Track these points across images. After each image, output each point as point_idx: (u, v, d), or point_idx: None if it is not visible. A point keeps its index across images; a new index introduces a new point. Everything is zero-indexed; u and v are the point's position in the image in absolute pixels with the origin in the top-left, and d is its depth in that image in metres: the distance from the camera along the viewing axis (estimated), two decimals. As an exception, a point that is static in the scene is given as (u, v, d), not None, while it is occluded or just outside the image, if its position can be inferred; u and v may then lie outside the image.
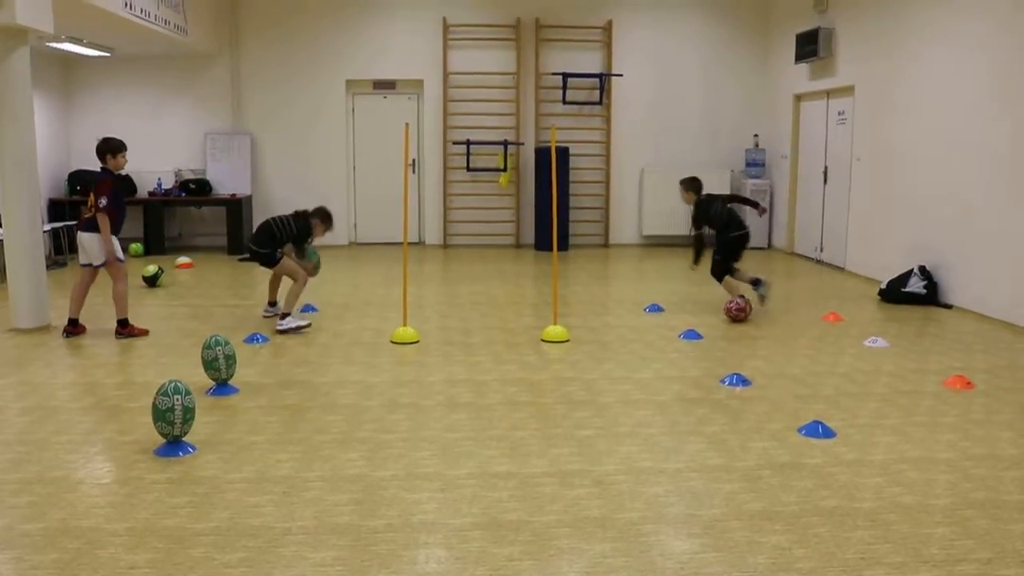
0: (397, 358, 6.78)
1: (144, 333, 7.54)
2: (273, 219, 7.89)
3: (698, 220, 8.40)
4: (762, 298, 8.39)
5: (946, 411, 5.43)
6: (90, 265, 7.46)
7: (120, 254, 7.52)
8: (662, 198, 13.72)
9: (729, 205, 8.47)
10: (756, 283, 8.35)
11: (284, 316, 7.58)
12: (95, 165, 13.39)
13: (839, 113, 11.51)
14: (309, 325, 7.72)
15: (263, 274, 11.08)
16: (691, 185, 8.50)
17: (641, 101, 13.84)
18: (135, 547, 3.55)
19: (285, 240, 7.81)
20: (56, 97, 13.12)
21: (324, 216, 8.05)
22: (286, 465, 4.48)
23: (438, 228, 13.87)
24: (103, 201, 7.24)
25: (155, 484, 4.21)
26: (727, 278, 8.42)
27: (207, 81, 13.56)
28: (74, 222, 12.43)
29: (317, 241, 8.11)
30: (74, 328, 7.51)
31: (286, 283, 8.01)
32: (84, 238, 7.36)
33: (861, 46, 10.76)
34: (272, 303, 8.25)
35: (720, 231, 8.35)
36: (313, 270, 8.12)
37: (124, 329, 7.48)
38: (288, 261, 7.81)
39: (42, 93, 12.28)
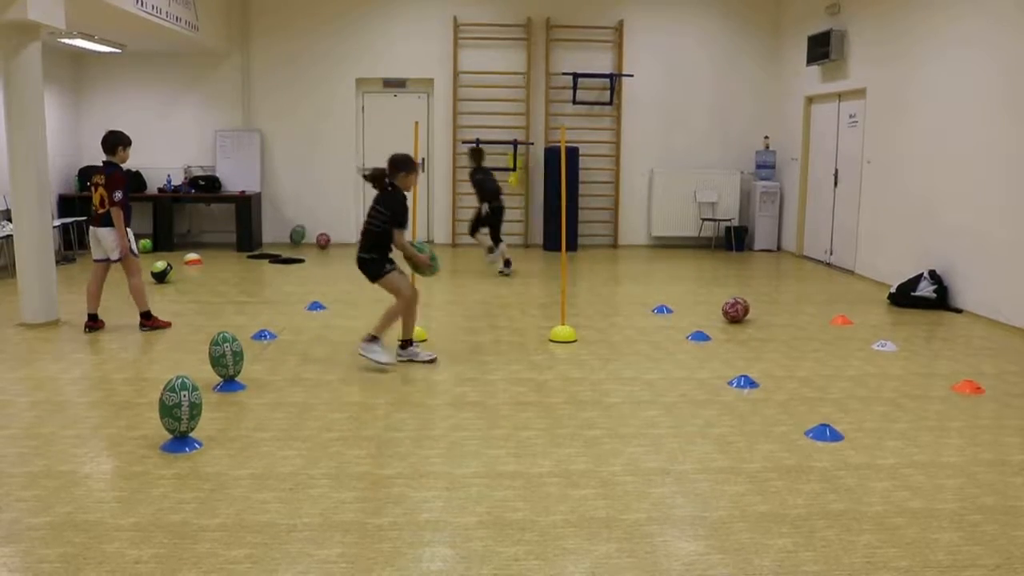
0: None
1: (167, 325, 7.64)
2: (368, 216, 6.43)
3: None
4: (490, 263, 10.88)
5: (955, 416, 5.41)
6: (105, 260, 7.48)
7: (135, 248, 7.56)
8: (672, 199, 13.71)
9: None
10: (491, 250, 10.76)
11: (372, 338, 6.32)
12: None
13: (850, 116, 11.47)
14: (393, 365, 6.38)
15: (272, 271, 11.14)
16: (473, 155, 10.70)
17: (651, 102, 13.82)
18: (141, 542, 3.55)
19: (387, 232, 6.29)
20: (67, 93, 13.17)
21: (398, 163, 6.41)
22: (292, 462, 4.48)
23: (447, 227, 13.88)
24: (118, 195, 7.26)
25: (161, 480, 4.22)
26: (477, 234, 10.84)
27: (217, 78, 13.59)
28: (84, 218, 12.53)
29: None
30: (94, 323, 7.54)
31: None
32: (100, 233, 7.37)
33: (873, 49, 10.72)
34: (406, 342, 6.66)
35: (491, 200, 10.65)
36: (429, 268, 6.62)
37: (148, 321, 7.56)
38: (393, 277, 6.38)
39: (53, 89, 12.32)
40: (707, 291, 9.88)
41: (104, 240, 7.38)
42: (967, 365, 6.66)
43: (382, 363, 6.29)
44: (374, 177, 6.39)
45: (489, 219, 10.74)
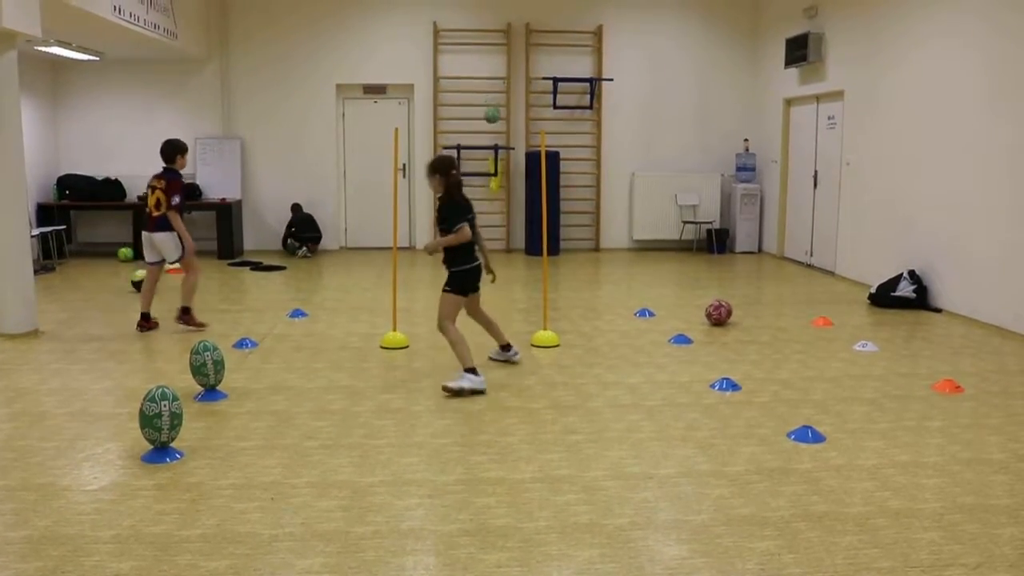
0: (386, 363, 6.75)
1: (203, 326, 7.85)
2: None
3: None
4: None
5: (935, 415, 5.44)
6: (159, 263, 7.73)
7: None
8: (653, 203, 13.75)
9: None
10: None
11: (468, 370, 5.88)
12: (84, 170, 13.39)
13: (829, 118, 11.54)
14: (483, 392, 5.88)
15: (253, 279, 11.10)
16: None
17: (632, 106, 13.85)
18: (121, 554, 3.52)
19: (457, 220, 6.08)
20: (45, 101, 13.06)
21: (437, 167, 6.19)
22: (274, 471, 4.46)
23: (428, 233, 13.85)
24: (176, 199, 7.49)
25: (142, 491, 4.19)
26: None
27: (197, 85, 13.52)
28: (63, 226, 12.45)
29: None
30: (147, 323, 7.83)
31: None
32: (156, 238, 7.60)
33: (851, 51, 10.80)
34: (505, 347, 6.66)
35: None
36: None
37: (186, 316, 7.82)
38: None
39: (30, 97, 12.22)
40: (689, 294, 9.91)
41: (158, 244, 7.61)
42: (947, 364, 6.71)
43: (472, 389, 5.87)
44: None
45: None
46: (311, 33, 13.44)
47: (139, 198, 13.04)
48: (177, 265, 7.85)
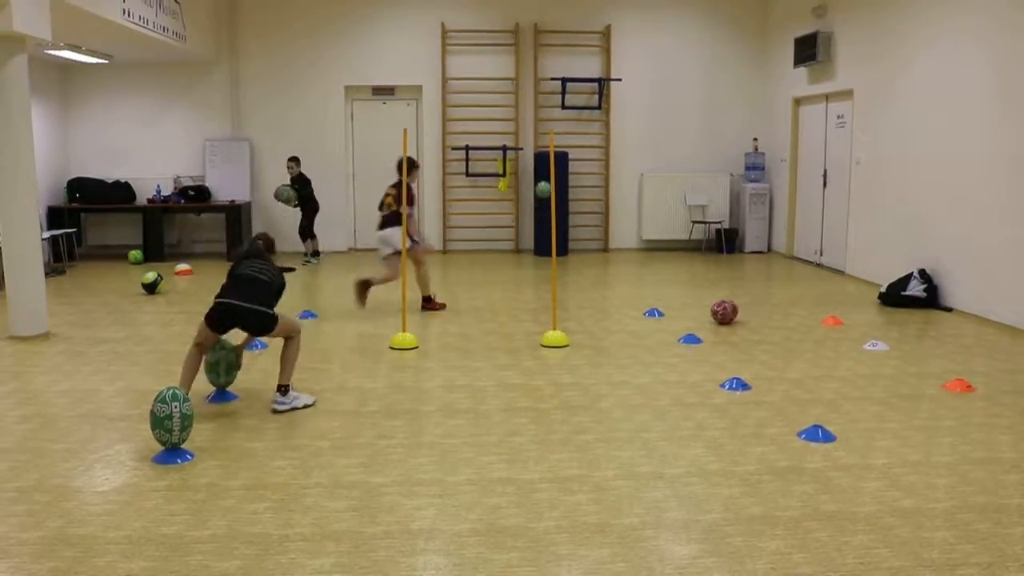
0: (396, 364, 6.77)
1: (443, 307, 8.88)
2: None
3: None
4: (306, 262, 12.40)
5: (946, 415, 5.42)
6: (395, 253, 8.41)
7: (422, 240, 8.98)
8: (662, 202, 13.74)
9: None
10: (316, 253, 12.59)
11: None
12: (94, 173, 13.48)
13: (838, 117, 11.51)
14: None
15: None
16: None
17: (640, 106, 13.85)
18: (132, 555, 3.54)
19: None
20: (55, 104, 13.13)
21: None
22: (284, 472, 4.47)
23: (437, 233, 13.87)
24: (409, 207, 8.24)
25: (153, 492, 4.20)
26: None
27: (206, 87, 13.56)
28: (74, 229, 12.52)
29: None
30: (430, 303, 8.85)
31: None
32: (385, 233, 8.60)
33: (860, 50, 10.77)
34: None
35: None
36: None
37: (428, 303, 8.82)
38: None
39: (41, 100, 12.29)
40: (698, 294, 9.89)
41: (389, 238, 8.55)
42: (958, 363, 6.69)
43: None
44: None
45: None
46: (320, 35, 13.47)
47: (149, 200, 13.13)
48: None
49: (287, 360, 5.53)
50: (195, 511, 3.97)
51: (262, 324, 5.50)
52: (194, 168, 13.63)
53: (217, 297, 5.52)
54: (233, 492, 4.20)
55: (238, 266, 5.73)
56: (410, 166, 8.50)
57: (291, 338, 5.59)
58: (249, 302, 5.42)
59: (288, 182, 12.48)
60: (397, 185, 8.59)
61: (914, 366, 6.64)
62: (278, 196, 12.26)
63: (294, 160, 12.56)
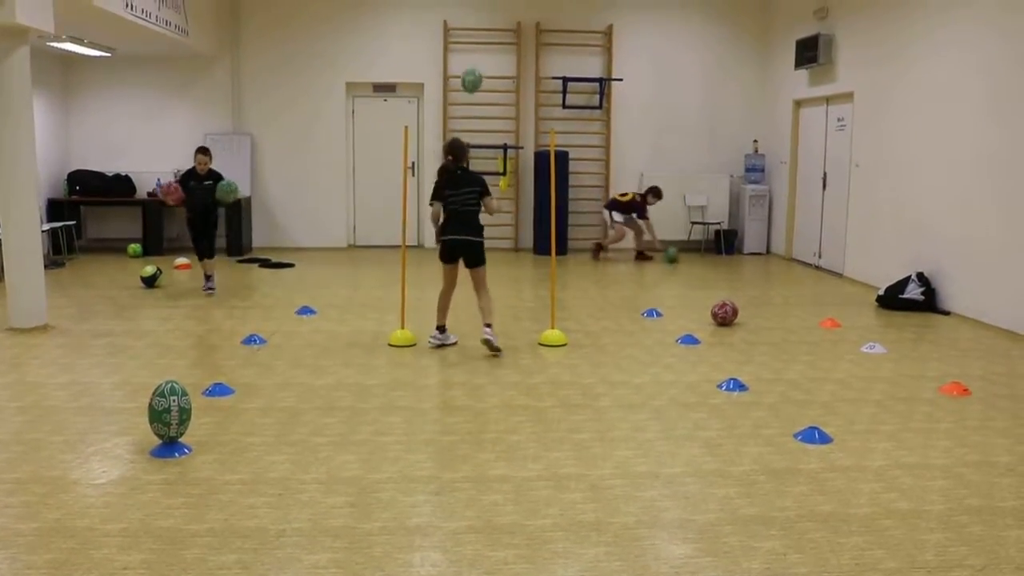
0: (394, 361, 6.77)
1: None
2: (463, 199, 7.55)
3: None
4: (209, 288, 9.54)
5: (942, 417, 5.43)
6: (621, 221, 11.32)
7: None
8: (662, 203, 13.71)
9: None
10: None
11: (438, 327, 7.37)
12: (94, 166, 13.47)
13: (838, 119, 11.52)
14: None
15: (259, 276, 11.13)
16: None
17: (641, 106, 13.85)
18: (129, 548, 3.55)
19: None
20: (56, 97, 13.12)
21: (463, 148, 7.85)
22: (282, 467, 4.48)
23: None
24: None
25: (150, 485, 4.21)
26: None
27: (207, 82, 13.56)
28: (73, 222, 12.51)
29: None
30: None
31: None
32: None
33: (861, 53, 10.78)
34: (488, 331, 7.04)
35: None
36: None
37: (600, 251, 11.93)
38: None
39: (42, 93, 12.27)
40: (697, 294, 9.90)
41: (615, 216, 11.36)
42: (955, 367, 6.70)
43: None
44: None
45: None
46: (321, 31, 13.47)
47: (149, 194, 13.12)
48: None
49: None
50: (192, 505, 3.98)
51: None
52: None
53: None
54: (230, 486, 4.20)
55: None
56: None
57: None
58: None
59: (207, 177, 9.65)
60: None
61: (911, 369, 6.66)
62: (222, 199, 9.65)
63: (204, 152, 9.65)
